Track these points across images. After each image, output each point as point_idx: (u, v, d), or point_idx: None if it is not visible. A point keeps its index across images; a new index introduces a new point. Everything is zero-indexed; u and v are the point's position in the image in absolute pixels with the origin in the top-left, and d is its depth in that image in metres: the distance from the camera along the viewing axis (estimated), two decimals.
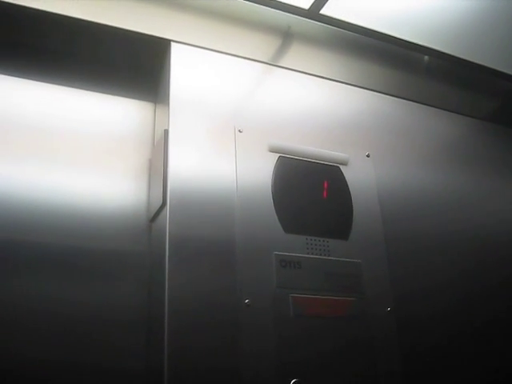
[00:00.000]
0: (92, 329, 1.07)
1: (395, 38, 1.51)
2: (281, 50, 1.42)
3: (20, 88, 1.24)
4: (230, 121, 1.24)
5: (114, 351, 1.07)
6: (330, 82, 1.45)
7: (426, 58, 1.68)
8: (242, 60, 1.35)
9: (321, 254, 1.17)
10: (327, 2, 1.36)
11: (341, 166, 1.31)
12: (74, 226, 1.14)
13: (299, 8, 1.39)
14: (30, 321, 1.03)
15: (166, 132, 1.16)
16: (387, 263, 1.25)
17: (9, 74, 1.24)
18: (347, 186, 1.29)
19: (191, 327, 0.99)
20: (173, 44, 1.27)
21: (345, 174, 1.30)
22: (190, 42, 1.29)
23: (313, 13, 1.41)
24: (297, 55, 1.44)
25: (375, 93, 1.52)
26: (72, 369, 1.02)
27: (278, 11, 1.42)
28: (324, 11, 1.40)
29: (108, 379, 1.04)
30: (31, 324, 1.02)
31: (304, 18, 1.45)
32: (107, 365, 1.05)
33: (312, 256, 1.16)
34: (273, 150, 1.24)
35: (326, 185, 1.25)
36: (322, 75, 1.45)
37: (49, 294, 1.06)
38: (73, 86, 1.29)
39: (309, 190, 1.23)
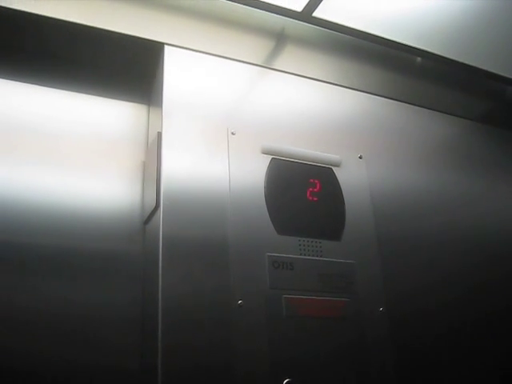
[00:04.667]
0: (87, 327, 1.08)
1: (388, 40, 1.52)
2: (274, 53, 1.43)
3: (15, 91, 1.24)
4: (223, 123, 1.24)
5: (108, 349, 1.08)
6: (323, 84, 1.46)
7: (419, 59, 1.69)
8: (235, 62, 1.35)
9: (313, 255, 1.18)
10: (320, 5, 1.36)
11: (333, 168, 1.31)
12: (70, 227, 1.15)
13: (292, 11, 1.40)
14: (25, 320, 1.03)
15: (160, 134, 1.17)
16: (380, 264, 1.26)
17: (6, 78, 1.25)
18: (340, 187, 1.29)
19: (185, 326, 1.00)
20: (166, 47, 1.28)
21: (337, 176, 1.30)
22: (184, 45, 1.30)
23: (306, 15, 1.41)
24: (290, 58, 1.45)
25: (368, 94, 1.53)
26: (67, 366, 1.03)
27: (271, 14, 1.43)
28: (317, 14, 1.41)
29: (103, 377, 1.05)
30: (26, 323, 1.03)
31: (297, 21, 1.45)
32: (102, 362, 1.06)
33: (305, 257, 1.17)
34: (265, 152, 1.24)
35: (318, 186, 1.26)
36: (315, 77, 1.45)
37: (44, 293, 1.07)
38: (66, 89, 1.30)
39: (301, 192, 1.24)
